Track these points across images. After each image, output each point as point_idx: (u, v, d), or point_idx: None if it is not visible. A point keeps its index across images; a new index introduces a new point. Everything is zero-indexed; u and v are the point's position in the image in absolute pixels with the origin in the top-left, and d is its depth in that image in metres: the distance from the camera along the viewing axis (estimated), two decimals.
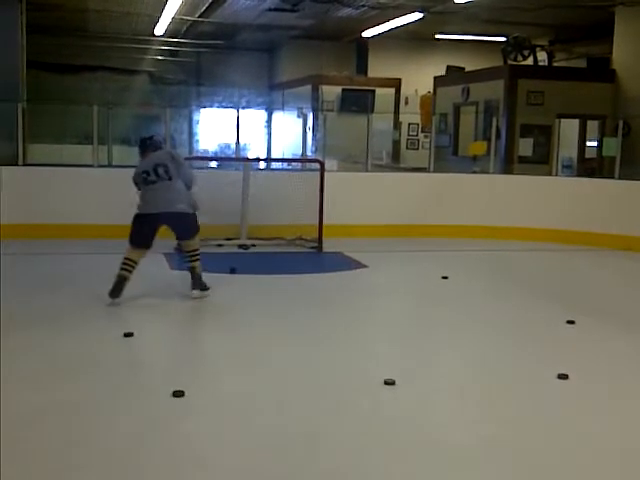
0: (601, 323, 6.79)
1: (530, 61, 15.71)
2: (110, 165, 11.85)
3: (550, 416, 4.56)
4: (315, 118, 17.42)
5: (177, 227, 7.14)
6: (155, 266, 8.52)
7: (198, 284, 7.14)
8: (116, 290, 6.76)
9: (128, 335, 5.77)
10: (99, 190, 10.27)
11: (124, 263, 6.89)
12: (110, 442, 3.96)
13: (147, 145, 7.29)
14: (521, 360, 5.66)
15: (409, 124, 18.90)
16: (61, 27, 18.64)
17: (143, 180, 7.04)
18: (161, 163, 7.05)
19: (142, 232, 6.97)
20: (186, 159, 10.11)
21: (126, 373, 5.12)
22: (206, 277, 7.24)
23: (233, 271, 8.36)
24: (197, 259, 7.18)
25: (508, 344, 6.08)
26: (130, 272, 6.87)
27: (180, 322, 6.77)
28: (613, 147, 11.74)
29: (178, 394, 4.54)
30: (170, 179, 7.01)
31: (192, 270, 7.18)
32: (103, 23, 18.50)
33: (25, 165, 10.59)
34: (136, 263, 6.94)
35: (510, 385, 5.11)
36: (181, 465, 3.73)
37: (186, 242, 7.23)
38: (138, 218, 7.03)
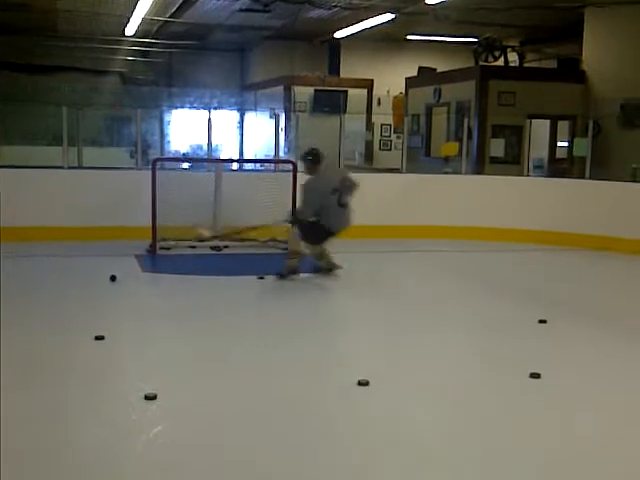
0: (574, 322, 6.82)
1: (501, 62, 15.80)
2: (80, 167, 11.73)
3: (522, 415, 4.57)
4: (287, 119, 17.40)
5: None
6: (127, 268, 8.48)
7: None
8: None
9: (99, 338, 5.70)
10: (69, 192, 10.17)
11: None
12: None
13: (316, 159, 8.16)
14: (493, 359, 5.66)
15: (382, 125, 18.95)
16: (31, 27, 18.45)
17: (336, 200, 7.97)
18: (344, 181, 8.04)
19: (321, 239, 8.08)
20: (157, 160, 10.10)
21: (98, 376, 5.05)
22: (175, 279, 7.17)
23: (113, 279, 7.85)
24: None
25: (480, 344, 6.10)
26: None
27: (153, 323, 6.70)
28: (583, 147, 11.84)
29: (150, 397, 4.50)
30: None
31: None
32: (73, 23, 18.32)
33: None
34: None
35: (482, 384, 5.10)
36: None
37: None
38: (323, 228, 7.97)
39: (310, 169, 8.16)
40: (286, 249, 9.91)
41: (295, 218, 8.18)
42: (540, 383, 5.04)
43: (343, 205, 8.00)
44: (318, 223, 7.99)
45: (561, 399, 4.86)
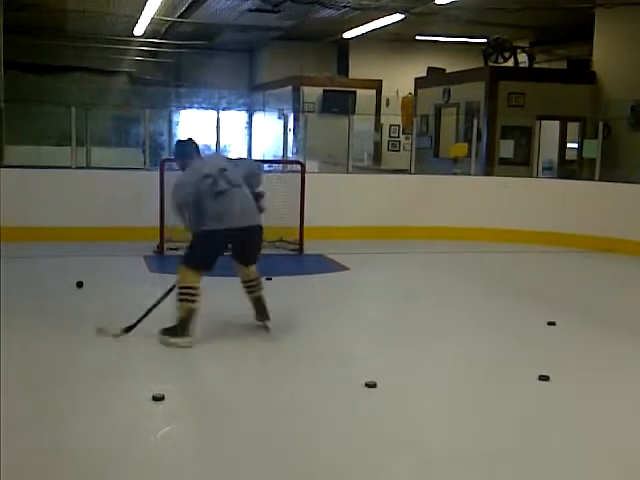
0: (582, 324, 6.77)
1: (511, 63, 15.74)
2: (89, 167, 11.73)
3: (530, 417, 4.53)
4: (296, 119, 17.37)
5: (249, 247, 6.00)
6: (134, 269, 8.47)
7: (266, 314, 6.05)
8: (185, 330, 5.59)
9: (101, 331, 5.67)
10: (77, 192, 10.16)
11: (186, 293, 5.63)
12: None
13: (188, 150, 6.00)
14: (502, 361, 5.61)
15: (390, 126, 18.90)
16: (39, 27, 18.47)
17: (209, 189, 5.62)
18: (223, 167, 5.81)
19: (209, 252, 5.73)
20: (165, 160, 10.08)
21: (103, 376, 5.02)
22: None
23: (80, 285, 7.46)
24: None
25: (489, 345, 6.05)
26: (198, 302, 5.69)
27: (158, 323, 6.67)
28: (593, 149, 11.77)
29: (158, 398, 4.48)
30: (239, 186, 5.79)
31: (260, 300, 6.08)
32: (82, 23, 18.35)
33: (2, 167, 10.46)
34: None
35: (491, 386, 5.06)
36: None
37: (252, 267, 6.06)
38: (205, 236, 5.71)
39: (182, 164, 6.01)
40: (294, 249, 9.93)
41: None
42: (549, 385, 4.99)
43: (219, 193, 5.64)
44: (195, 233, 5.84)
45: (570, 402, 4.82)
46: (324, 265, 9.21)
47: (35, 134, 15.98)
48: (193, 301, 5.62)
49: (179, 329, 5.58)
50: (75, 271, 8.31)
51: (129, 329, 5.76)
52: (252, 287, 6.06)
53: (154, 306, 5.86)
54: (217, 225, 5.64)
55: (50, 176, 10.41)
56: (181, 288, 5.64)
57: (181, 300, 5.63)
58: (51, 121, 14.28)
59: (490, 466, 3.87)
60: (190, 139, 6.08)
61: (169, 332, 5.60)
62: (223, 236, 5.70)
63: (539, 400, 4.84)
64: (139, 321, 5.80)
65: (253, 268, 6.05)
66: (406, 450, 4.01)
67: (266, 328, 6.01)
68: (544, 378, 5.06)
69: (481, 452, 4.02)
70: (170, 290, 5.85)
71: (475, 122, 12.68)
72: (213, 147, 11.64)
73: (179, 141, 6.23)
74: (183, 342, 5.55)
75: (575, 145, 14.89)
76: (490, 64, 15.35)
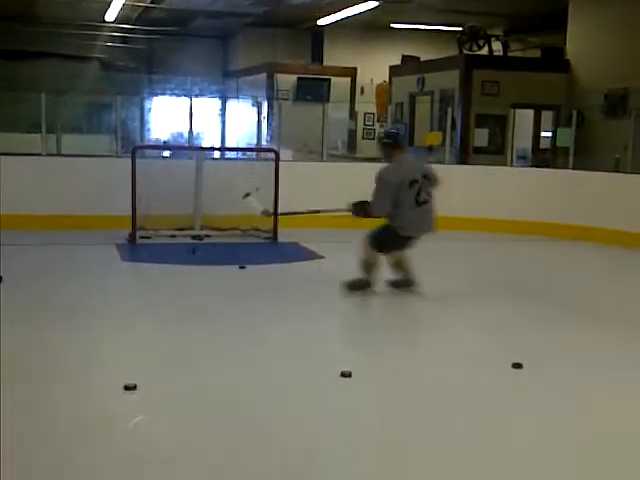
0: (553, 310, 6.80)
1: (485, 51, 15.73)
2: (59, 154, 11.56)
3: (504, 407, 4.52)
4: (270, 107, 17.24)
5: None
6: (107, 257, 8.38)
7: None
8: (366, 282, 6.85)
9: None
10: (48, 179, 10.02)
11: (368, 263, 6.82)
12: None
13: (401, 142, 7.08)
14: (474, 349, 5.61)
15: (365, 114, 18.82)
16: (9, 13, 18.18)
17: (414, 196, 6.67)
18: (425, 174, 6.81)
19: (394, 247, 6.83)
20: (137, 148, 9.98)
21: (76, 367, 4.95)
22: (155, 268, 7.07)
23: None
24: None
25: (459, 333, 6.05)
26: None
27: (131, 312, 6.59)
28: (567, 137, 11.81)
29: (130, 387, 4.42)
30: (432, 198, 6.81)
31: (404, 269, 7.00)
32: (53, 9, 18.08)
33: None
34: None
35: (464, 374, 5.04)
36: None
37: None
38: (401, 238, 6.75)
39: (388, 155, 6.87)
40: (268, 238, 9.86)
41: (361, 209, 6.91)
42: (522, 373, 5.00)
43: (421, 203, 6.65)
44: (390, 225, 6.71)
45: (544, 390, 4.82)
46: (299, 253, 9.17)
47: (5, 121, 15.73)
48: (371, 270, 6.75)
49: (361, 282, 6.79)
50: (44, 260, 8.21)
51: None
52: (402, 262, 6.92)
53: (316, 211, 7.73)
54: (413, 232, 6.68)
55: (20, 163, 10.27)
56: (363, 261, 6.76)
57: (362, 269, 6.74)
58: (21, 107, 14.06)
59: (459, 456, 3.85)
60: (399, 130, 6.99)
61: (352, 286, 6.77)
62: (411, 240, 6.75)
63: (513, 388, 4.84)
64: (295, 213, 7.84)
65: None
66: (376, 443, 3.98)
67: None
68: (517, 366, 5.06)
69: (449, 440, 4.00)
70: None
71: (449, 110, 12.67)
72: (186, 135, 11.55)
73: (391, 130, 7.23)
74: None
75: (549, 134, 14.94)
76: (464, 52, 15.33)
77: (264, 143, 12.26)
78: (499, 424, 4.26)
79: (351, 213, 7.01)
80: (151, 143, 14.81)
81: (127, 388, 4.42)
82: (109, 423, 4.10)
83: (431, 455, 3.86)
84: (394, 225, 6.64)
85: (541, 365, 5.25)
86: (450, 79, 14.66)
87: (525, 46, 17.54)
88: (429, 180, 6.77)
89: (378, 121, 18.42)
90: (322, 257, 8.84)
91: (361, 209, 6.86)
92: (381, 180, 6.66)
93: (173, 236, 9.73)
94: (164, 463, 3.66)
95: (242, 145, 14.69)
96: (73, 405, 4.31)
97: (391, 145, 6.80)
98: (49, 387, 4.54)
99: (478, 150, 14.11)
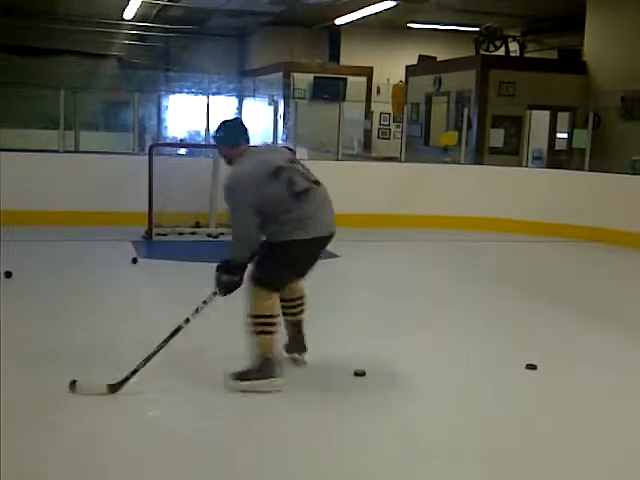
0: (568, 312, 6.80)
1: (502, 52, 15.71)
2: (77, 151, 11.65)
3: (519, 407, 4.54)
4: (286, 106, 17.29)
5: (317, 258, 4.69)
6: (123, 254, 8.43)
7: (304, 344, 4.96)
8: (271, 369, 4.48)
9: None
10: (65, 176, 10.09)
11: (263, 323, 4.45)
12: None
13: (238, 135, 4.69)
14: (490, 349, 5.62)
15: (381, 113, 18.84)
16: (28, 10, 18.29)
17: (288, 187, 4.43)
18: (291, 158, 4.73)
19: (290, 267, 4.63)
20: (155, 145, 10.02)
21: (83, 362, 4.99)
22: (170, 265, 7.03)
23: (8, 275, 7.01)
24: None
25: (477, 333, 6.06)
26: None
27: (146, 308, 6.64)
28: (583, 139, 11.77)
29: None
30: (318, 183, 4.70)
31: (300, 325, 4.94)
32: (71, 6, 18.19)
33: None
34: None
35: (479, 375, 5.06)
36: None
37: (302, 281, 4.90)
38: (285, 248, 4.48)
39: (227, 156, 4.75)
40: None
41: (224, 269, 4.65)
42: (536, 374, 5.02)
43: (300, 194, 4.48)
44: (274, 242, 4.50)
45: (558, 391, 4.83)
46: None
47: (23, 117, 15.84)
48: (271, 332, 4.47)
49: (263, 369, 4.43)
50: (60, 255, 8.28)
51: (119, 386, 4.32)
52: (296, 306, 4.89)
53: (155, 353, 4.45)
54: (302, 235, 4.41)
55: (38, 159, 10.34)
56: (255, 317, 4.43)
57: (258, 333, 4.43)
58: (39, 104, 14.15)
59: (476, 454, 3.87)
60: (238, 119, 5.00)
61: (247, 375, 4.44)
62: (308, 247, 4.50)
63: (527, 389, 4.85)
64: (133, 373, 4.36)
65: (302, 282, 4.90)
66: (393, 439, 4.01)
67: (302, 362, 4.94)
68: (532, 367, 5.07)
69: (466, 441, 4.02)
70: (177, 330, 4.52)
71: (465, 111, 12.66)
72: (202, 133, 11.59)
73: (224, 122, 4.78)
74: (273, 385, 4.44)
75: (565, 135, 14.90)
76: (481, 53, 15.32)
77: (280, 142, 12.29)
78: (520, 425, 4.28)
79: (217, 291, 4.65)
80: (168, 141, 14.85)
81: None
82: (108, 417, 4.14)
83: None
84: (279, 240, 4.45)
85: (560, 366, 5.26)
86: (467, 79, 14.65)
87: (542, 47, 17.50)
88: (299, 164, 4.70)
89: (394, 121, 18.44)
90: (337, 256, 8.85)
91: (224, 269, 4.65)
92: (232, 194, 4.51)
93: (194, 233, 9.80)
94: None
95: (258, 143, 14.71)
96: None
97: (226, 145, 4.73)
98: (58, 379, 4.59)
99: (493, 150, 14.09)
